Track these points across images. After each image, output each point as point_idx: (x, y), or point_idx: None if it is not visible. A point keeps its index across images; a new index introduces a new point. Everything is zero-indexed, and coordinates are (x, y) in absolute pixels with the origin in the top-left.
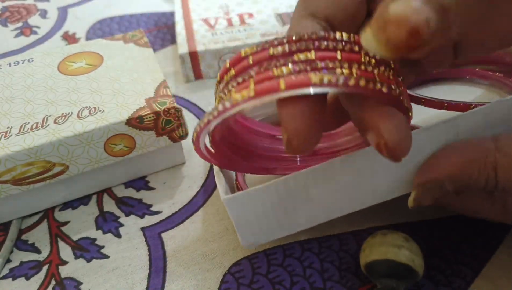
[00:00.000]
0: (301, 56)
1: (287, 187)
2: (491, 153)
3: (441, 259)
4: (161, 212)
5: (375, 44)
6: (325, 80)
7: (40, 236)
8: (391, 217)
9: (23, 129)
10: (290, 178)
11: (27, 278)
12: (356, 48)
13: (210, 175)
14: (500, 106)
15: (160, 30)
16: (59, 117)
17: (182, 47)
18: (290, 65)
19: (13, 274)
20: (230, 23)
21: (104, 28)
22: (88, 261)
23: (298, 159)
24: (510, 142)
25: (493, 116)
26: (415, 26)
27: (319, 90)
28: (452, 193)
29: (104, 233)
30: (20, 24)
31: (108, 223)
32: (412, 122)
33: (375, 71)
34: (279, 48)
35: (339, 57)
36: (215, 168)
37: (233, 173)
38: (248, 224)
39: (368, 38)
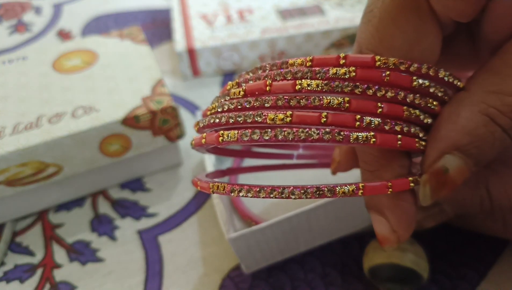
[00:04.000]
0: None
1: (290, 223)
2: (481, 172)
3: (446, 263)
4: (158, 214)
5: (429, 199)
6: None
7: (34, 238)
8: None
9: (17, 129)
10: (294, 216)
11: (21, 281)
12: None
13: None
14: None
15: (157, 27)
16: (53, 116)
17: (180, 44)
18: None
19: (7, 277)
20: (229, 19)
21: (100, 25)
22: (83, 264)
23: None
24: (498, 159)
25: None
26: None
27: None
28: (453, 216)
29: (100, 235)
30: (14, 21)
31: (103, 225)
32: None
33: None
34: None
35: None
36: (215, 200)
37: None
38: (252, 256)
39: (427, 195)
